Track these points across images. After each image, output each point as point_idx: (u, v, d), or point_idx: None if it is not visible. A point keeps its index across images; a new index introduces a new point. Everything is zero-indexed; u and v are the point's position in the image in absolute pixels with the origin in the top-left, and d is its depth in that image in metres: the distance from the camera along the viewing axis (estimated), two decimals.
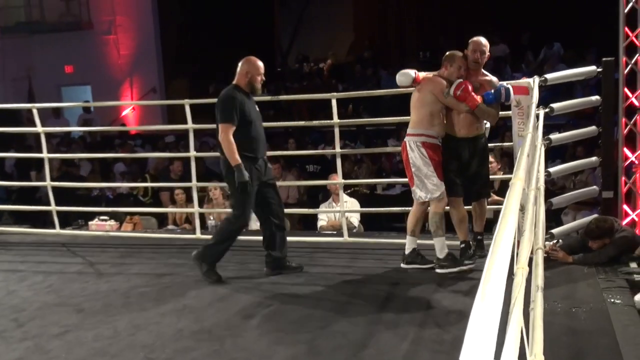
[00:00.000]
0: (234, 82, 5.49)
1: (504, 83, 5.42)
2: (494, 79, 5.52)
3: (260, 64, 5.50)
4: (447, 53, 5.47)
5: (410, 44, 18.64)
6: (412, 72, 5.41)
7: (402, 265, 5.59)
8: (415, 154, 5.29)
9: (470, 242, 5.57)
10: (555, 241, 5.69)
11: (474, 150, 5.46)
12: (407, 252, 5.57)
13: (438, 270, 5.33)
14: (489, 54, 5.54)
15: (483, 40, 5.49)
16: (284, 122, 10.39)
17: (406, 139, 5.40)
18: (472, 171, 5.48)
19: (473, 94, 5.20)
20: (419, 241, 5.57)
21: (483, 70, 5.55)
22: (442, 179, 5.31)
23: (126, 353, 4.23)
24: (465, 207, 5.55)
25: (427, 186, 5.30)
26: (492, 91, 5.29)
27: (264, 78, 5.54)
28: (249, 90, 5.46)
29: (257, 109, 5.58)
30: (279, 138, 12.28)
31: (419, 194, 5.38)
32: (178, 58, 17.27)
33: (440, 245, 5.33)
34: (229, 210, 7.93)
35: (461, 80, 5.25)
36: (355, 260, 5.99)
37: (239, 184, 5.21)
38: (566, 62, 13.66)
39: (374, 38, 19.39)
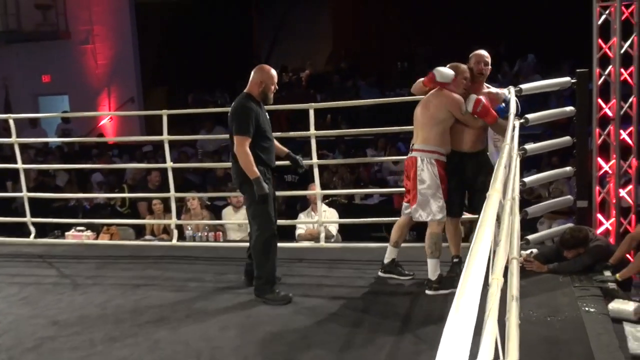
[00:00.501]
0: (246, 90, 5.32)
1: (506, 92, 5.35)
2: (496, 90, 5.44)
3: (274, 73, 5.36)
4: (450, 65, 5.23)
5: (388, 54, 18.74)
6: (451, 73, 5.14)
7: (380, 273, 5.57)
8: (426, 172, 5.06)
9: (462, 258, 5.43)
10: (529, 251, 5.71)
11: (479, 166, 5.28)
12: (386, 261, 5.55)
13: (428, 292, 5.12)
14: (490, 66, 5.45)
15: (485, 52, 5.44)
16: None
17: (417, 154, 5.13)
18: (478, 187, 5.15)
19: (491, 109, 5.11)
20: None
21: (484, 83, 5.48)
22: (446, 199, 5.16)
23: None
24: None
25: (432, 207, 5.08)
26: (503, 105, 5.17)
27: (277, 87, 5.40)
28: (260, 100, 5.28)
29: (268, 117, 5.41)
30: None
31: (420, 213, 5.13)
32: (156, 68, 17.22)
33: (434, 267, 5.14)
34: (207, 221, 7.94)
35: (476, 96, 5.08)
36: (332, 269, 5.98)
37: (259, 196, 5.06)
38: (541, 73, 13.82)
39: (352, 49, 19.47)
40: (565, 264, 5.49)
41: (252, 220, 5.34)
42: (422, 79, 5.33)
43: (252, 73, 5.33)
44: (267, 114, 5.39)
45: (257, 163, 5.12)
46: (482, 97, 5.11)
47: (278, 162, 5.48)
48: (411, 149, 5.24)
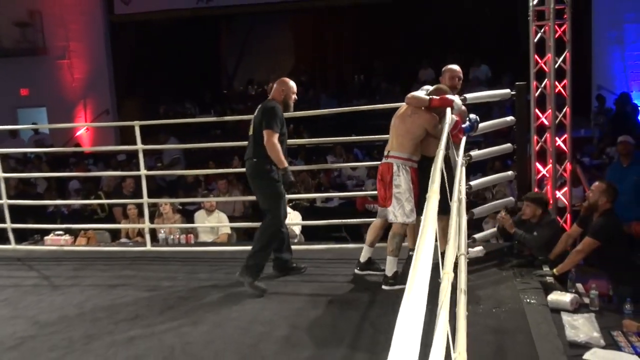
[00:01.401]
0: (271, 97, 5.45)
1: (472, 115, 5.38)
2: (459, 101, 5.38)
3: (294, 84, 5.50)
4: (436, 87, 5.29)
5: (346, 68, 18.84)
6: (426, 98, 5.19)
7: (356, 271, 5.56)
8: (402, 177, 5.10)
9: None
10: (505, 211, 5.93)
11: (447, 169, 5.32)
12: (362, 260, 5.54)
13: (384, 287, 5.14)
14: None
15: (458, 67, 5.55)
16: (230, 141, 10.34)
17: (393, 160, 5.16)
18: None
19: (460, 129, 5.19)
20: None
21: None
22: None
23: None
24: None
25: (405, 209, 5.11)
26: (468, 125, 5.28)
27: (296, 98, 5.52)
28: (282, 107, 5.40)
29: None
30: (226, 156, 12.23)
31: (394, 214, 5.15)
32: (129, 81, 17.04)
33: (392, 264, 5.16)
34: (178, 225, 7.88)
35: (457, 118, 5.12)
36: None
37: (289, 184, 5.29)
38: (487, 85, 14.02)
39: (313, 63, 19.54)
40: (529, 236, 5.62)
41: (266, 213, 5.43)
42: (429, 96, 5.22)
43: (275, 85, 5.49)
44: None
45: (270, 161, 5.25)
46: (459, 121, 5.16)
47: (244, 169, 5.45)
48: (386, 156, 5.24)
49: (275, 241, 5.49)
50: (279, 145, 5.23)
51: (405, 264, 5.43)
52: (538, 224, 5.71)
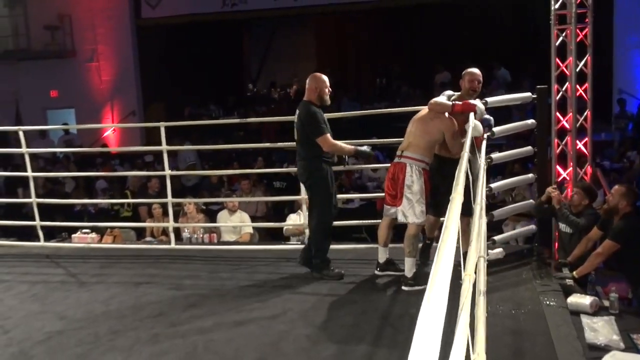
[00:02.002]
0: (305, 98, 5.49)
1: (486, 116, 5.28)
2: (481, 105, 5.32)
3: (325, 77, 5.50)
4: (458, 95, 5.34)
5: (367, 71, 18.82)
6: (449, 104, 5.18)
7: (376, 272, 5.52)
8: (414, 178, 5.06)
9: None
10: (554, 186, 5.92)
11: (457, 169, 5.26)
12: (381, 261, 5.49)
13: (404, 288, 5.11)
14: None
15: (478, 70, 5.48)
16: (253, 143, 10.38)
17: (406, 161, 5.12)
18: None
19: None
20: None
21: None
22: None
23: (106, 357, 4.16)
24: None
25: (416, 210, 5.06)
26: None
27: (330, 90, 5.53)
28: (319, 104, 5.45)
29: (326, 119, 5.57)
30: (249, 157, 12.28)
31: (404, 214, 5.10)
32: (156, 84, 17.18)
33: (410, 265, 5.12)
34: (202, 224, 7.91)
35: (482, 129, 5.12)
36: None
37: (367, 156, 5.51)
38: (505, 89, 13.91)
39: (334, 66, 19.57)
40: (571, 218, 5.59)
41: (315, 209, 5.56)
42: (452, 102, 5.19)
43: (307, 82, 5.52)
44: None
45: (323, 156, 5.37)
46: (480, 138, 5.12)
47: (267, 170, 5.47)
48: (399, 155, 5.19)
49: (330, 230, 5.57)
50: (337, 143, 5.37)
51: (421, 253, 5.45)
52: (581, 213, 5.65)
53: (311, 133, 5.34)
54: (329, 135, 5.34)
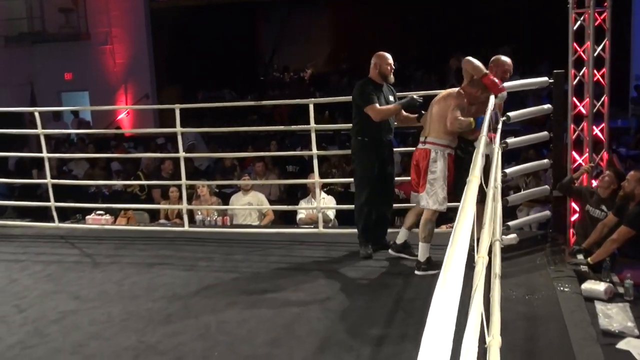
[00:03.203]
0: (369, 76, 5.57)
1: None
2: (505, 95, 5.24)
3: (387, 55, 5.56)
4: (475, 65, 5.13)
5: None
6: (482, 70, 5.09)
7: (390, 252, 5.52)
8: (439, 163, 5.00)
9: None
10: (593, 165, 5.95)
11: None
12: (398, 242, 5.49)
13: (417, 272, 5.09)
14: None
15: (509, 60, 5.39)
16: (267, 126, 10.39)
17: (430, 147, 5.07)
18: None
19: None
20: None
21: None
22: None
23: (119, 337, 4.19)
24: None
25: (439, 197, 5.01)
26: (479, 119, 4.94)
27: (393, 67, 5.56)
28: (381, 81, 5.51)
29: (392, 98, 5.59)
30: (262, 141, 12.27)
31: (426, 200, 5.06)
32: (169, 67, 17.18)
33: (425, 250, 5.09)
34: (215, 207, 7.93)
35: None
36: (330, 251, 5.96)
37: (410, 102, 5.42)
38: (520, 74, 13.78)
39: (348, 50, 19.47)
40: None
41: (355, 188, 5.73)
42: (484, 70, 5.11)
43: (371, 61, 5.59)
44: (391, 95, 5.59)
45: (367, 134, 5.43)
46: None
47: (281, 153, 5.45)
48: (423, 142, 5.14)
49: (366, 209, 5.55)
50: (382, 109, 5.37)
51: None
52: (606, 199, 5.60)
53: (361, 104, 5.40)
54: (376, 105, 5.35)
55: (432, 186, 5.03)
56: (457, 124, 4.99)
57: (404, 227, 5.53)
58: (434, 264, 5.06)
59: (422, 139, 5.20)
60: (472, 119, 4.99)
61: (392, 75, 5.57)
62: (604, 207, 5.61)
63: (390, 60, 5.55)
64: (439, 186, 5.01)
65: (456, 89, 5.22)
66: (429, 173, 5.03)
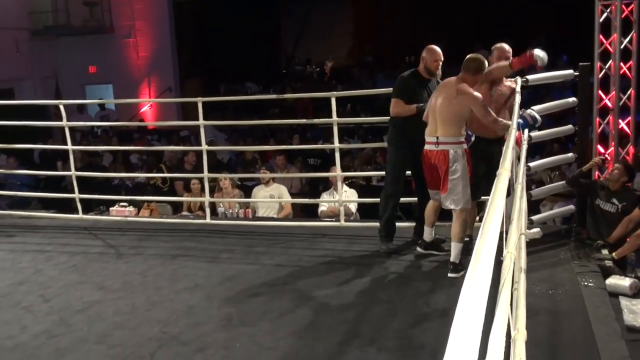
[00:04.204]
0: (417, 68, 5.47)
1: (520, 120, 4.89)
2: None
3: (437, 50, 5.37)
4: (475, 56, 5.03)
5: (403, 48, 18.62)
6: (507, 64, 5.10)
7: (419, 249, 5.39)
8: (459, 164, 4.83)
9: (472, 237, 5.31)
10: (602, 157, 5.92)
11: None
12: (427, 239, 5.36)
13: (451, 275, 4.85)
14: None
15: (506, 46, 5.35)
16: (289, 119, 10.41)
17: (446, 147, 4.84)
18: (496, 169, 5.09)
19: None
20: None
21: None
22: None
23: (143, 327, 4.23)
24: None
25: (463, 196, 4.86)
26: (521, 121, 4.89)
27: (439, 62, 5.37)
28: (427, 75, 5.38)
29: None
30: (284, 134, 12.29)
31: (450, 201, 4.90)
32: (192, 60, 17.25)
33: (457, 251, 4.89)
34: (237, 199, 7.96)
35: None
36: (352, 244, 5.96)
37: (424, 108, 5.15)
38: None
39: (371, 43, 19.41)
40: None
41: (386, 174, 5.62)
42: (505, 62, 5.12)
43: None
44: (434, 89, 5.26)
45: (400, 135, 5.36)
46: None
47: (302, 147, 5.39)
48: (437, 142, 4.89)
49: (391, 203, 5.50)
50: (400, 106, 5.29)
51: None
52: (616, 192, 5.57)
53: (393, 94, 5.38)
54: (400, 100, 5.29)
55: (455, 187, 4.86)
56: (501, 127, 4.87)
57: (427, 225, 5.38)
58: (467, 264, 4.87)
59: (432, 138, 4.94)
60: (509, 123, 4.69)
61: (439, 71, 5.41)
62: (615, 200, 5.57)
63: (439, 55, 5.37)
64: (463, 186, 4.86)
65: (454, 78, 4.96)
66: (449, 174, 4.86)
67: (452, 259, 4.93)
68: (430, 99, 5.08)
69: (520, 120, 4.87)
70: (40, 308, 4.66)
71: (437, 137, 4.90)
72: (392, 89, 5.44)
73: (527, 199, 5.36)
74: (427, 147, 4.99)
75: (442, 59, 5.39)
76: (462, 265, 4.83)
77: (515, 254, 1.92)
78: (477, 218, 5.53)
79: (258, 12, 17.98)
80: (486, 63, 4.99)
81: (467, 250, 5.14)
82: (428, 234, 5.39)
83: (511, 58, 5.25)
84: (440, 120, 4.90)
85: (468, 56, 5.00)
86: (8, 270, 5.61)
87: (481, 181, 5.13)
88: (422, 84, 5.38)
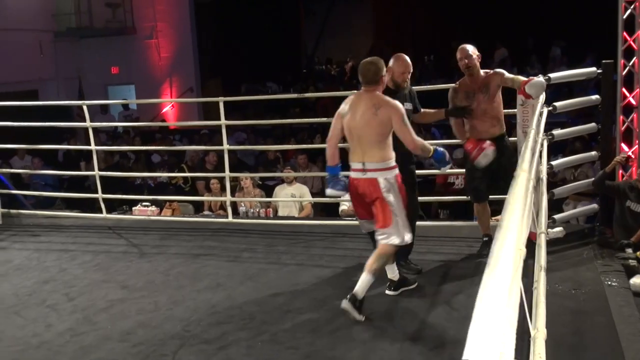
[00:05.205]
0: None
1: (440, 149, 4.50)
2: (501, 71, 5.20)
3: (405, 60, 4.87)
4: (372, 60, 4.41)
5: (424, 48, 18.57)
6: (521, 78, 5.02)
7: (388, 292, 4.56)
8: (392, 192, 4.17)
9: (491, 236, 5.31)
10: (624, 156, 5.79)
11: (498, 150, 4.91)
12: (393, 278, 4.57)
13: (346, 305, 4.13)
14: (478, 55, 5.16)
15: (466, 46, 5.16)
16: (310, 118, 10.44)
17: (376, 175, 4.17)
18: (501, 170, 4.90)
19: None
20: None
21: (484, 71, 5.22)
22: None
23: (165, 325, 4.27)
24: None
25: (402, 228, 4.23)
26: (439, 151, 4.44)
27: (408, 74, 4.87)
28: (393, 87, 4.80)
29: (408, 105, 4.87)
30: (305, 133, 12.31)
31: (394, 236, 4.21)
32: (213, 60, 17.36)
33: (366, 285, 4.16)
34: (258, 198, 8.00)
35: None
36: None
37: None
38: (567, 64, 13.55)
39: (391, 43, 19.36)
40: None
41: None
42: (519, 79, 5.03)
43: None
44: (406, 103, 4.75)
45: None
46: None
47: (324, 146, 5.11)
48: (363, 170, 4.20)
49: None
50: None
51: (480, 249, 5.32)
52: None
53: None
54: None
55: (395, 216, 4.19)
56: (419, 147, 4.32)
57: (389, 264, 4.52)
58: (399, 283, 4.53)
59: (358, 165, 4.24)
60: (431, 147, 4.38)
61: (407, 82, 4.90)
62: None
63: (408, 66, 4.86)
64: (402, 218, 4.23)
65: (363, 92, 4.33)
66: (389, 205, 4.17)
67: (355, 291, 4.16)
68: (344, 121, 4.32)
69: (440, 149, 4.47)
70: (64, 306, 4.72)
71: (364, 164, 4.20)
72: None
73: (549, 197, 5.35)
74: (353, 174, 4.30)
75: (411, 70, 4.91)
76: (359, 302, 4.13)
77: (525, 251, 1.91)
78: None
79: (278, 13, 18.04)
80: (382, 62, 4.37)
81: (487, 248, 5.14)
82: (391, 272, 4.57)
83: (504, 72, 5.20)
84: (364, 144, 4.20)
85: (363, 65, 4.37)
86: (33, 269, 5.70)
87: (480, 184, 5.16)
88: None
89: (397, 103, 4.25)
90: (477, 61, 5.16)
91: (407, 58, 4.92)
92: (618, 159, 5.74)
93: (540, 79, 5.02)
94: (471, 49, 5.15)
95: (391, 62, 4.89)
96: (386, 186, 4.17)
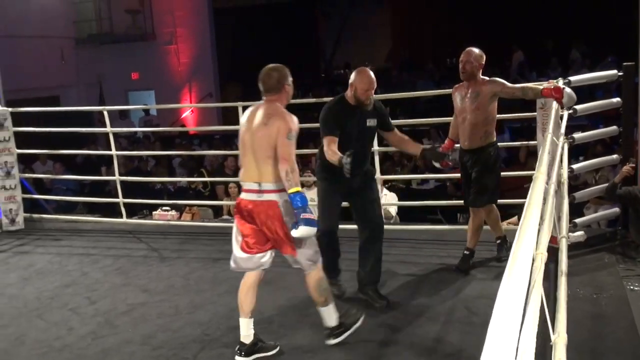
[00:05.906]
0: (343, 94, 4.66)
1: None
2: (500, 81, 5.06)
3: (369, 76, 4.48)
4: (274, 68, 4.12)
5: (443, 51, 18.50)
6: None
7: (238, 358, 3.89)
8: (289, 215, 3.72)
9: (506, 237, 5.24)
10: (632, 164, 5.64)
11: (475, 161, 4.97)
12: (247, 334, 3.93)
13: (330, 342, 3.93)
14: (480, 63, 5.07)
15: (471, 50, 5.11)
16: None
17: (272, 197, 3.72)
18: (471, 181, 5.03)
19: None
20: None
21: (484, 78, 5.09)
22: None
23: (186, 329, 4.30)
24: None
25: (310, 250, 3.86)
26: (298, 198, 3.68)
27: (371, 92, 4.48)
28: (355, 103, 4.50)
29: (372, 122, 4.61)
30: None
31: (310, 261, 3.88)
32: (232, 66, 17.45)
33: (330, 312, 3.94)
34: None
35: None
36: (391, 247, 5.92)
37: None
38: (588, 67, 13.45)
39: (410, 46, 19.36)
40: None
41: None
42: (538, 87, 4.91)
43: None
44: (369, 120, 4.57)
45: (323, 166, 4.61)
46: None
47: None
48: (259, 191, 3.73)
49: (322, 243, 4.23)
50: (326, 151, 4.46)
51: (497, 251, 5.30)
52: None
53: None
54: (328, 136, 4.49)
55: (299, 242, 3.80)
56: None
57: (245, 317, 3.99)
58: (348, 321, 4.03)
59: (250, 185, 3.77)
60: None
61: (370, 101, 4.50)
62: None
63: (372, 84, 4.45)
64: (306, 240, 3.80)
65: (261, 103, 3.95)
66: (289, 229, 3.71)
67: (327, 324, 3.95)
68: (240, 133, 3.91)
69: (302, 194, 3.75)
70: (86, 310, 4.77)
71: (260, 184, 3.74)
72: (428, 92, 5.31)
73: (570, 201, 5.30)
74: (245, 196, 3.81)
75: (375, 87, 4.50)
76: (341, 327, 3.96)
77: (546, 255, 1.90)
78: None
79: (296, 17, 18.10)
80: (286, 70, 4.06)
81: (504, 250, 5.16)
82: (245, 328, 3.94)
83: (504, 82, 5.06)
84: (260, 161, 3.72)
85: (264, 72, 4.06)
86: (55, 273, 5.77)
87: (467, 189, 5.14)
88: (349, 114, 4.51)
89: (291, 117, 3.77)
90: (477, 69, 5.02)
91: (372, 74, 4.51)
92: (626, 170, 5.59)
93: (572, 93, 4.93)
94: (474, 54, 5.05)
95: (353, 77, 4.52)
96: (286, 209, 3.71)
